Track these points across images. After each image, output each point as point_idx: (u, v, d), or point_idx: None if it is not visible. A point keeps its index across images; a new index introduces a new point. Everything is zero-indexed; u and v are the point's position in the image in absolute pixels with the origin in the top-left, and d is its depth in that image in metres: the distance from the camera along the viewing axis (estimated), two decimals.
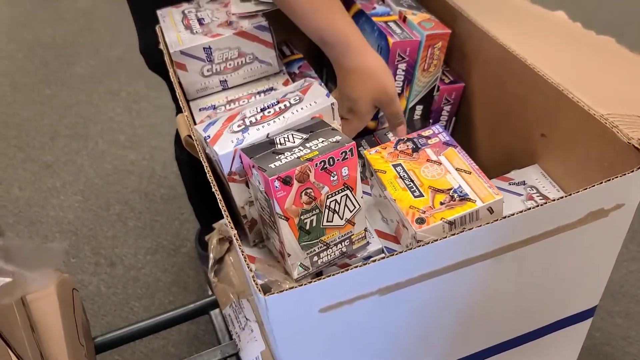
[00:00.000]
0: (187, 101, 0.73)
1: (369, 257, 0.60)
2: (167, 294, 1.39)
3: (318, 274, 0.59)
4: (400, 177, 0.59)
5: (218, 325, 1.02)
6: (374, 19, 0.71)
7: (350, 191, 0.55)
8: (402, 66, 0.69)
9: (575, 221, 0.51)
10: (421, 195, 0.56)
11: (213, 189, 0.54)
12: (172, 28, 0.74)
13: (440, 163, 0.59)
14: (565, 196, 0.48)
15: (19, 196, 1.66)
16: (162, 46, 0.79)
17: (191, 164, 1.14)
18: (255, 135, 0.56)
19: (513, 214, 0.48)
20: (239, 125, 0.58)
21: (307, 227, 0.54)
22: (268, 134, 0.56)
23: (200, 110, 0.72)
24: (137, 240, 1.52)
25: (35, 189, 1.68)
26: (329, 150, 0.52)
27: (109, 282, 1.44)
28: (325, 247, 0.57)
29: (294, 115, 0.58)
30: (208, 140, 0.57)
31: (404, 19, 0.70)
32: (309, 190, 0.52)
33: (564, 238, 0.52)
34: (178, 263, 1.45)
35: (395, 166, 0.60)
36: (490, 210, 0.54)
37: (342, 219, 0.56)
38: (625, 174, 0.48)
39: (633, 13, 2.06)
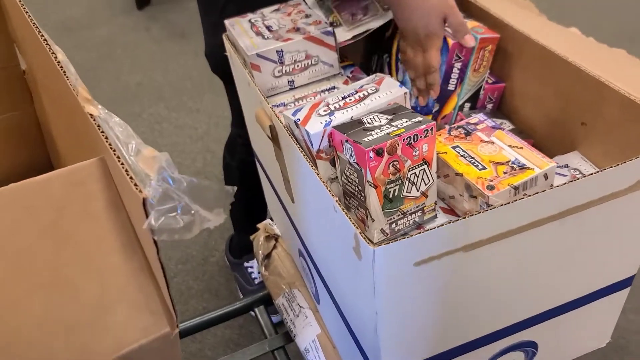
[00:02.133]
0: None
1: None
2: (200, 300, 1.45)
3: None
4: (462, 156, 0.67)
5: (263, 321, 1.07)
6: None
7: (427, 166, 0.63)
8: (458, 65, 0.78)
9: (627, 188, 0.59)
10: (484, 168, 0.64)
11: (310, 165, 0.61)
12: (243, 34, 0.82)
13: (493, 142, 0.68)
14: (620, 164, 0.56)
15: None
16: (228, 52, 0.88)
17: (240, 170, 1.21)
18: (340, 118, 0.64)
19: (578, 179, 0.56)
20: (325, 110, 0.66)
21: (390, 196, 0.62)
22: (352, 117, 0.64)
23: (272, 107, 0.80)
24: (166, 251, 1.57)
25: None
26: (413, 128, 0.60)
27: None
28: (402, 215, 0.64)
29: (372, 102, 0.66)
30: (299, 122, 0.64)
31: None
32: (395, 163, 0.60)
33: (614, 204, 0.60)
34: (208, 271, 1.51)
35: (454, 148, 0.68)
36: (546, 176, 0.63)
37: (418, 190, 0.63)
38: None
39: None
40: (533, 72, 0.78)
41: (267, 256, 1.05)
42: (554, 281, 0.66)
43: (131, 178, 0.40)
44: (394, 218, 0.64)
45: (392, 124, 0.61)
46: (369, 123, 0.62)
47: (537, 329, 0.71)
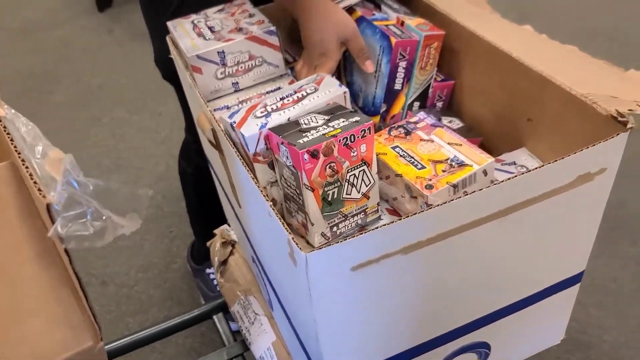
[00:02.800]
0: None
1: None
2: (162, 309, 1.41)
3: None
4: (401, 155, 0.65)
5: (222, 329, 1.05)
6: (376, 23, 0.79)
7: (367, 166, 0.61)
8: (403, 64, 0.76)
9: (566, 184, 0.58)
10: (423, 167, 0.63)
11: (245, 169, 0.59)
12: (185, 36, 0.80)
13: (432, 141, 0.66)
14: (558, 159, 0.55)
15: None
16: (172, 54, 0.85)
17: (196, 176, 1.19)
18: (277, 119, 0.62)
19: (515, 176, 0.54)
20: (261, 112, 0.64)
21: (329, 199, 0.60)
22: (289, 118, 0.62)
23: (214, 110, 0.77)
24: (127, 259, 1.54)
25: None
26: (350, 128, 0.58)
27: (101, 301, 1.45)
28: (343, 218, 0.62)
29: (311, 102, 0.64)
30: (234, 125, 0.62)
31: (402, 23, 0.78)
32: (332, 164, 0.58)
33: (557, 201, 0.59)
34: (170, 279, 1.48)
35: (393, 148, 0.67)
36: (485, 172, 0.62)
37: (359, 192, 0.62)
38: (607, 140, 0.56)
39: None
40: (480, 69, 0.77)
41: (224, 262, 1.03)
42: (500, 280, 0.65)
43: (35, 182, 0.38)
44: (334, 221, 0.62)
45: (329, 124, 0.60)
46: (305, 124, 0.60)
47: (488, 330, 0.70)
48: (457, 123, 0.82)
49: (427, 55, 0.78)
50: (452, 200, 0.53)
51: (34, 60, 2.32)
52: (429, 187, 0.60)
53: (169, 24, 0.84)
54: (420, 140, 0.66)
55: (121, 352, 1.01)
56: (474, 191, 0.53)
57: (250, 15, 0.82)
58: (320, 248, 0.49)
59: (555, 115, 0.66)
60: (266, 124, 0.62)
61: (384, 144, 0.67)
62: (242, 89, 0.80)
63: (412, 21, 0.79)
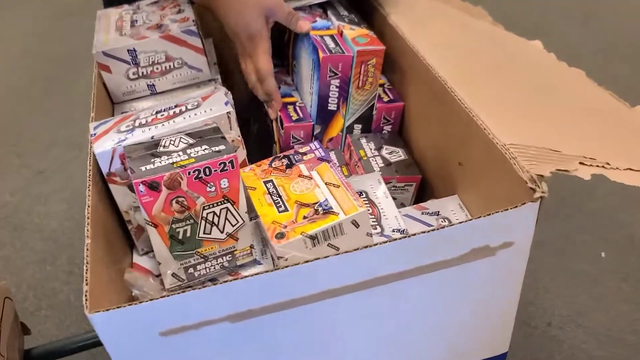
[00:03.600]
0: (113, 104, 0.71)
1: None
2: None
3: None
4: (269, 193, 0.55)
5: None
6: (312, 32, 0.68)
7: (232, 204, 0.51)
8: (335, 82, 0.65)
9: (457, 257, 0.46)
10: (286, 210, 0.52)
11: (87, 192, 0.51)
12: (103, 29, 0.72)
13: (311, 178, 0.56)
14: (439, 228, 0.44)
15: (9, 201, 1.67)
16: None
17: None
18: (139, 136, 0.54)
19: (383, 242, 0.43)
20: (127, 126, 0.55)
21: (180, 237, 0.51)
22: (153, 136, 0.53)
23: (122, 114, 0.69)
24: None
25: (25, 195, 1.68)
26: (206, 159, 0.49)
27: (79, 292, 1.42)
28: (202, 259, 0.53)
29: (184, 120, 0.55)
30: (92, 139, 0.54)
31: (341, 34, 0.67)
32: (180, 199, 0.49)
33: (447, 275, 0.47)
34: None
35: (266, 182, 0.57)
36: (355, 224, 0.50)
37: (222, 232, 0.52)
38: (507, 209, 0.44)
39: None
40: (423, 95, 0.65)
41: None
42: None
43: None
44: (190, 262, 0.53)
45: (188, 151, 0.50)
46: (164, 147, 0.51)
47: None
48: (398, 155, 0.70)
49: (364, 73, 0.67)
50: (295, 264, 0.42)
51: (67, 44, 2.34)
52: (280, 235, 0.49)
53: (98, 13, 0.77)
54: (299, 176, 0.55)
55: (61, 354, 0.95)
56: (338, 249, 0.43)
57: (179, 11, 0.73)
58: (109, 309, 0.41)
59: (480, 163, 0.54)
60: (124, 140, 0.53)
61: (258, 177, 0.56)
62: (159, 92, 0.72)
63: (353, 32, 0.68)
